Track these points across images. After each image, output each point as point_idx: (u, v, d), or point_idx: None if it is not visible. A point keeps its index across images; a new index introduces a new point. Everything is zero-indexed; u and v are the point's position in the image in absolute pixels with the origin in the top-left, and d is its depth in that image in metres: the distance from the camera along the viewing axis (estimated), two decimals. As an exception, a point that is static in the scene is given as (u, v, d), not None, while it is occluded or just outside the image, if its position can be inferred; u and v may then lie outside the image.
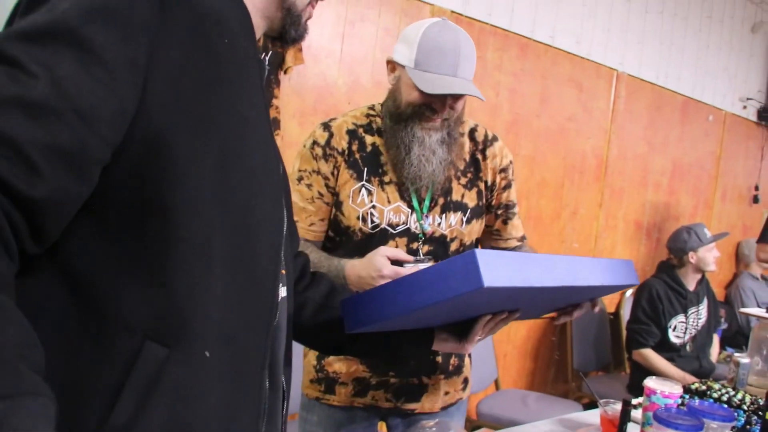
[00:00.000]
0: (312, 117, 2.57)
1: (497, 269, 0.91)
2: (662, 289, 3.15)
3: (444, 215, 1.48)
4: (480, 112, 3.07)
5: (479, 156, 1.53)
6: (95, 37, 0.62)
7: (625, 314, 3.82)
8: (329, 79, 2.61)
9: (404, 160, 1.41)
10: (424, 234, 1.46)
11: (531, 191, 3.40)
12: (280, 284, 0.85)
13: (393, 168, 1.45)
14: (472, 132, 1.55)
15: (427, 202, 1.47)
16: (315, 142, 1.46)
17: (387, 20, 2.74)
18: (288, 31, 0.87)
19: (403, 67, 1.38)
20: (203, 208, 0.69)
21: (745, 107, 4.86)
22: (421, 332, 1.20)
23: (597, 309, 1.38)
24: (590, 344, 3.69)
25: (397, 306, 0.98)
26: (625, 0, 3.72)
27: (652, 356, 3.05)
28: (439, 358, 1.51)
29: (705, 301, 3.27)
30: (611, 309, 3.91)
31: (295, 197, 1.42)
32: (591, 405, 3.60)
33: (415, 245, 1.45)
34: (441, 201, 1.48)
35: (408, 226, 1.45)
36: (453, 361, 1.54)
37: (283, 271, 0.88)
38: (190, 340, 0.68)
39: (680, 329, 3.15)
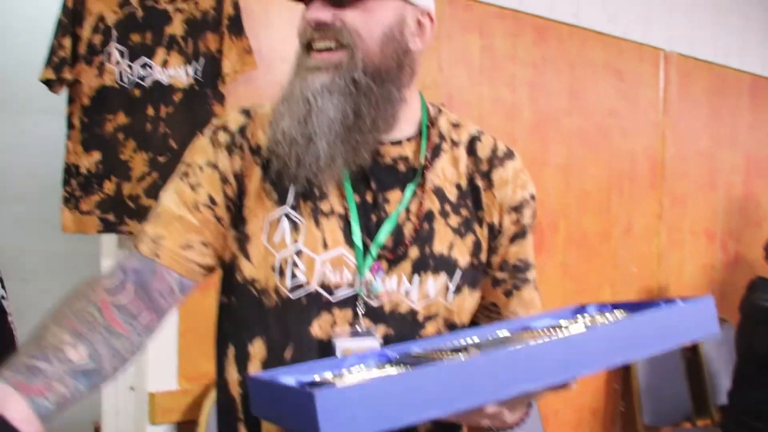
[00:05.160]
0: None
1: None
2: None
3: (417, 276, 0.87)
4: (492, 116, 2.45)
5: (480, 181, 0.94)
6: None
7: (706, 349, 3.08)
8: (286, 89, 2.06)
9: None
10: (370, 299, 0.85)
11: (569, 208, 2.74)
12: None
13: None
14: (473, 142, 0.96)
15: (381, 239, 0.86)
16: (223, 127, 0.92)
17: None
18: None
19: None
20: None
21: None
22: None
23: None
24: (663, 390, 2.96)
25: None
26: (667, -36, 3.06)
27: None
28: None
29: None
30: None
31: (167, 200, 0.90)
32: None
33: (365, 323, 0.85)
34: (414, 252, 0.87)
35: (355, 289, 0.86)
36: None
37: None
38: None
39: None
